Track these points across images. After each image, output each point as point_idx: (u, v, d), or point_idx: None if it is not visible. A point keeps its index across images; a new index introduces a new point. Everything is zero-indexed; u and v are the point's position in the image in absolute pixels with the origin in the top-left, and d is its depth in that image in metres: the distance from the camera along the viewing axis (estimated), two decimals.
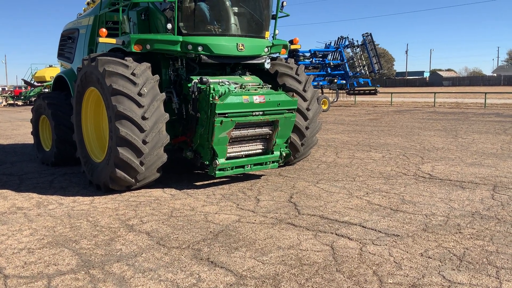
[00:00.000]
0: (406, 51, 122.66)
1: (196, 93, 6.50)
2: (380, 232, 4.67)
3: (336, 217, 5.21)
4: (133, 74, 6.29)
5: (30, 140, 12.64)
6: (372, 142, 11.56)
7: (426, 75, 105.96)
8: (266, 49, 7.33)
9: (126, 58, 6.54)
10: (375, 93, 28.56)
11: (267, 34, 7.55)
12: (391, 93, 30.99)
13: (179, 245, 4.41)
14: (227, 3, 7.03)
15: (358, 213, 5.33)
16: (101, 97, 6.54)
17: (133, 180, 6.33)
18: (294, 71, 7.93)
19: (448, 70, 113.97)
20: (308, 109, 7.78)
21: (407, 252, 4.14)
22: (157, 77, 6.50)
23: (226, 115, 6.29)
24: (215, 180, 7.27)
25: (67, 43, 9.56)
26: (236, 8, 7.15)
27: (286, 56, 8.49)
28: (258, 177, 7.49)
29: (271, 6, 7.55)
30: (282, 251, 4.19)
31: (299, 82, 7.85)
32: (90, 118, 7.21)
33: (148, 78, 6.40)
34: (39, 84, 37.92)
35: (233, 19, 7.06)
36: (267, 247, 4.31)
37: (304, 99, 7.78)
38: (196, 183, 7.11)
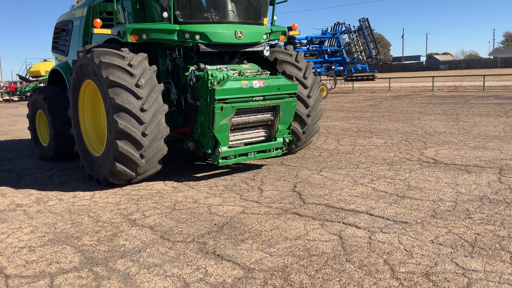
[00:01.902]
0: (402, 36, 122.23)
1: (194, 80, 6.38)
2: (388, 219, 4.58)
3: (342, 205, 5.11)
4: (130, 65, 6.14)
5: (27, 135, 12.51)
6: (373, 128, 11.46)
7: (423, 59, 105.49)
8: (265, 36, 7.18)
9: (122, 48, 6.39)
10: (373, 79, 28.40)
11: (265, 21, 7.39)
12: (389, 78, 30.82)
13: (183, 239, 4.31)
14: None
15: (364, 201, 5.24)
16: (98, 90, 6.39)
17: (134, 174, 6.22)
18: (294, 58, 7.79)
19: (445, 53, 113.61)
20: (309, 97, 7.65)
21: (417, 239, 4.05)
22: (154, 67, 6.36)
23: (226, 100, 6.17)
24: (217, 171, 7.17)
25: (61, 36, 9.38)
26: None
27: (285, 42, 8.34)
28: (260, 167, 7.38)
29: None
30: (289, 242, 4.09)
31: (299, 69, 7.71)
32: (88, 111, 7.07)
33: (146, 68, 6.26)
34: (34, 79, 37.56)
35: (230, 6, 6.89)
36: (273, 238, 4.21)
37: (305, 86, 7.64)
38: (198, 175, 7.00)
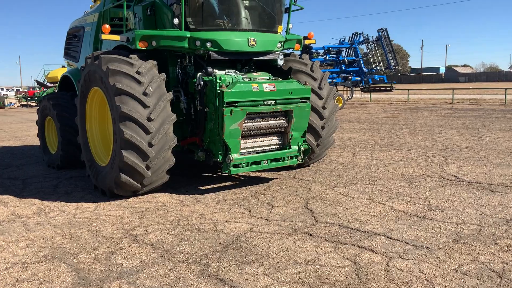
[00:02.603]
0: (421, 47, 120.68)
1: (202, 85, 6.16)
2: (407, 243, 4.23)
3: (358, 226, 4.77)
4: (138, 72, 5.92)
5: (38, 142, 12.39)
6: (391, 141, 11.06)
7: (442, 71, 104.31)
8: (279, 45, 6.90)
9: (130, 55, 6.17)
10: (391, 90, 27.93)
11: (280, 29, 7.12)
12: (408, 89, 30.28)
13: (185, 259, 4.01)
14: None
15: (382, 221, 4.89)
16: (105, 97, 6.18)
17: (139, 185, 5.97)
18: (309, 67, 7.50)
19: (464, 66, 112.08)
20: (324, 108, 7.34)
21: (439, 267, 3.69)
22: (163, 75, 6.13)
23: (236, 104, 5.91)
24: (226, 183, 6.88)
25: (73, 42, 9.25)
26: (247, 1, 6.72)
27: (300, 51, 8.05)
28: (271, 180, 7.07)
29: None
30: (299, 267, 3.77)
31: (314, 79, 7.41)
32: (95, 120, 6.86)
33: (154, 76, 6.03)
34: (52, 84, 37.89)
35: (243, 13, 6.64)
36: (282, 261, 3.89)
37: (320, 97, 7.34)
38: (206, 187, 6.72)
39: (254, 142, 6.41)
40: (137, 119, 5.66)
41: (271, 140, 6.57)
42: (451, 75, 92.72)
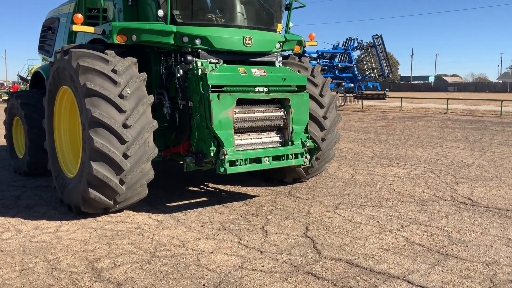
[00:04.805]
0: (411, 55, 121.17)
1: (182, 75, 5.44)
2: None
3: (370, 264, 3.97)
4: (114, 71, 5.08)
5: None
6: (391, 154, 10.32)
7: (431, 80, 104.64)
8: (277, 45, 6.09)
9: (106, 51, 5.32)
10: (384, 97, 27.35)
11: (279, 27, 6.32)
12: (401, 98, 29.69)
13: None
14: None
15: (398, 258, 4.09)
16: (75, 99, 5.32)
17: (111, 202, 5.11)
18: (310, 72, 6.71)
19: (454, 75, 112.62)
20: (325, 118, 6.55)
21: None
22: (144, 75, 5.29)
23: (223, 89, 5.18)
24: (213, 199, 6.04)
25: (47, 35, 8.35)
26: None
27: (299, 54, 7.25)
28: (264, 197, 6.25)
29: None
30: None
31: (315, 85, 6.63)
32: (64, 124, 5.99)
33: (133, 76, 5.19)
34: None
35: (239, 7, 5.83)
36: None
37: (321, 106, 6.55)
38: (190, 203, 5.88)
39: (251, 139, 5.57)
40: (110, 125, 4.81)
41: (270, 137, 5.74)
42: (440, 84, 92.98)
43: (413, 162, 9.13)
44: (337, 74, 26.12)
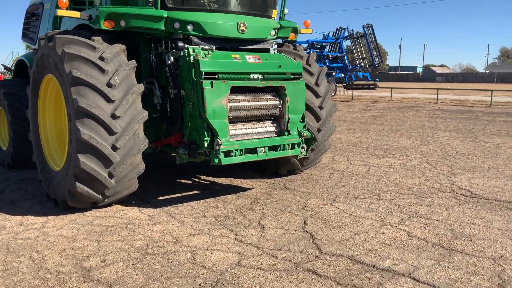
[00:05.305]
0: (400, 46, 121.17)
1: (173, 62, 5.19)
2: None
3: (373, 260, 3.80)
4: (101, 58, 4.82)
5: None
6: (385, 144, 10.17)
7: (419, 70, 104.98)
8: (273, 32, 5.86)
9: (93, 37, 5.05)
10: (374, 88, 27.28)
11: (274, 13, 6.08)
12: (391, 88, 29.61)
13: None
14: None
15: (401, 254, 3.93)
16: (60, 88, 5.05)
17: (100, 196, 4.87)
18: (305, 60, 6.50)
19: (442, 66, 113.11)
20: (321, 108, 6.36)
21: None
22: (133, 63, 5.03)
23: (216, 76, 4.96)
24: (206, 192, 5.83)
25: (31, 21, 8.00)
26: None
27: (294, 42, 7.03)
28: (258, 190, 6.05)
29: None
30: None
31: (311, 74, 6.43)
32: (49, 114, 5.71)
33: (122, 64, 4.94)
34: None
35: None
36: None
37: (317, 95, 6.36)
38: (182, 196, 5.67)
39: (246, 129, 5.34)
40: (98, 116, 4.56)
41: (266, 126, 5.52)
42: (428, 75, 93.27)
43: (407, 153, 8.99)
44: (327, 64, 25.90)
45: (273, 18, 6.07)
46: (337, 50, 26.52)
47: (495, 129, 13.14)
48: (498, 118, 16.68)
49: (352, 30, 26.79)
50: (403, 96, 32.34)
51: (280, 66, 5.49)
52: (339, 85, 27.39)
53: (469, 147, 9.81)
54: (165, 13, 5.18)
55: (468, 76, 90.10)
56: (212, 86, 4.89)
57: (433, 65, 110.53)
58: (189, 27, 5.21)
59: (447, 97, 30.64)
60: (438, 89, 27.33)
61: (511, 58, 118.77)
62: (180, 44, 5.10)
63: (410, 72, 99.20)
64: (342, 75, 26.24)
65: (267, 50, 5.94)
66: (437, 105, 23.86)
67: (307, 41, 25.47)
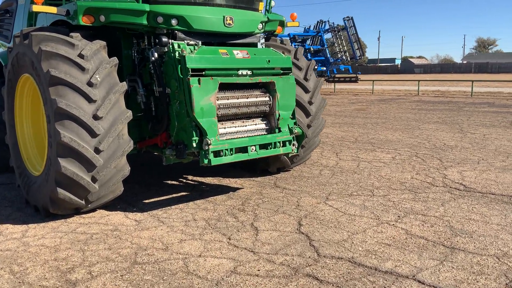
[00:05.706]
0: (378, 38, 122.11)
1: (157, 59, 4.93)
2: None
3: (374, 262, 3.64)
4: (81, 56, 4.55)
5: None
6: (372, 138, 10.07)
7: (398, 62, 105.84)
8: (260, 26, 5.65)
9: (71, 34, 4.77)
10: (356, 80, 27.28)
11: (261, 6, 5.87)
12: (372, 81, 29.65)
13: None
14: None
15: (402, 254, 3.78)
16: (37, 88, 4.76)
17: (83, 202, 4.62)
18: (293, 54, 6.32)
19: (420, 57, 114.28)
20: (310, 103, 6.19)
21: None
22: (115, 60, 4.77)
23: (204, 72, 4.73)
24: (194, 194, 5.62)
25: (5, 18, 7.63)
26: None
27: (280, 36, 6.83)
28: (248, 189, 5.86)
29: None
30: None
31: (300, 68, 6.25)
32: (27, 116, 5.42)
33: (103, 61, 4.67)
34: None
35: None
36: None
37: (306, 90, 6.18)
38: (169, 198, 5.44)
39: (235, 127, 5.13)
40: (79, 117, 4.30)
41: (255, 124, 5.32)
42: (407, 66, 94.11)
43: (395, 146, 8.90)
44: (309, 57, 25.74)
45: (260, 11, 5.85)
46: (318, 43, 26.41)
47: (479, 120, 13.18)
48: (481, 109, 16.78)
49: (333, 23, 26.71)
50: (384, 88, 32.46)
51: (269, 61, 5.29)
52: (320, 78, 27.32)
53: (456, 139, 9.77)
54: (147, 7, 4.91)
55: (445, 67, 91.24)
56: (199, 83, 4.66)
57: (411, 57, 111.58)
58: (173, 22, 4.97)
59: (427, 88, 30.86)
60: (419, 80, 27.46)
61: (488, 49, 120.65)
62: (164, 39, 4.86)
63: (389, 64, 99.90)
64: (324, 68, 26.14)
65: (255, 45, 5.73)
66: (419, 97, 23.96)
67: (289, 35, 25.25)
